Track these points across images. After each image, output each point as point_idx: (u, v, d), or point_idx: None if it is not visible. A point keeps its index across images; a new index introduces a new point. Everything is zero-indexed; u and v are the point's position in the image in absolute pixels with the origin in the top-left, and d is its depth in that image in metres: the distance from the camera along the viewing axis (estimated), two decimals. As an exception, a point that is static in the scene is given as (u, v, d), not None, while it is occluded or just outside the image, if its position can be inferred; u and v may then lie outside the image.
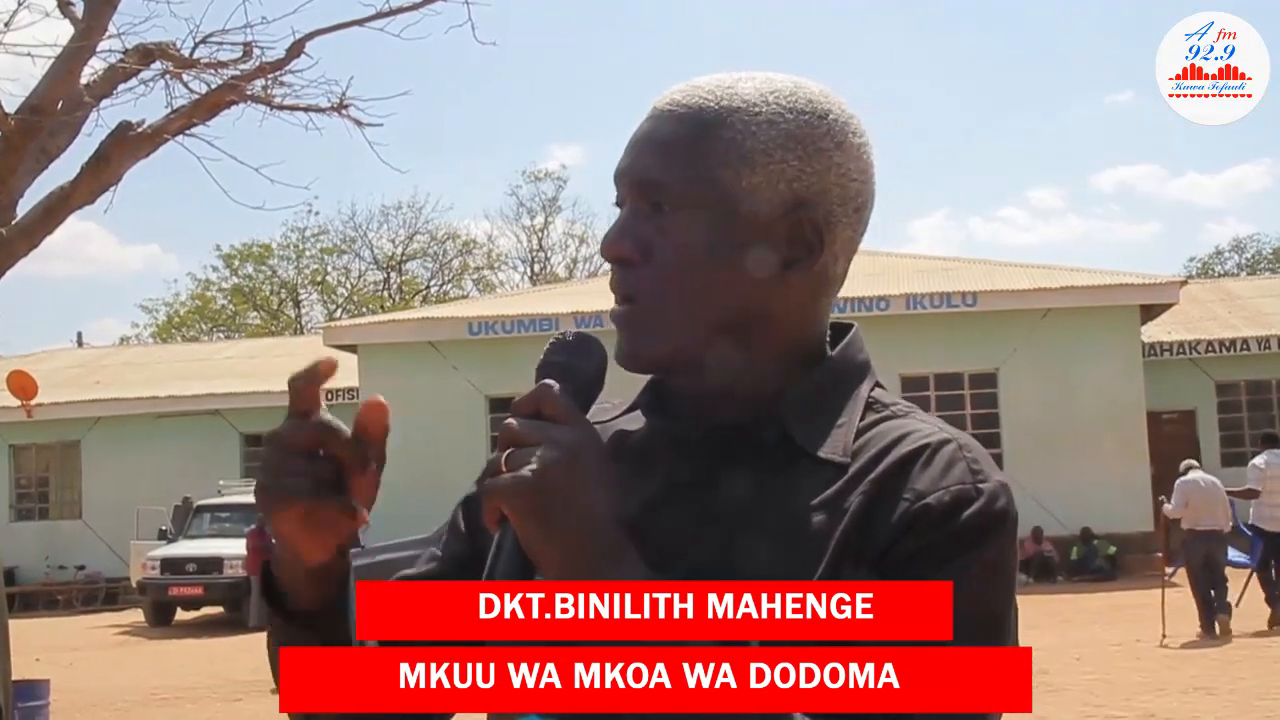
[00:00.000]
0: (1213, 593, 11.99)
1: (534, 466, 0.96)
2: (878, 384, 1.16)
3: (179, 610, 19.99)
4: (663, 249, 1.10)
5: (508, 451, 0.98)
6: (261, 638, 1.18)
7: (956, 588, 0.97)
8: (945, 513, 1.02)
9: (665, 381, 1.17)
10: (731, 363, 1.11)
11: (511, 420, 1.00)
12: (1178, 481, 12.48)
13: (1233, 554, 12.62)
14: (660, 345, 1.11)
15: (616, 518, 1.00)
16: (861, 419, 1.11)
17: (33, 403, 14.87)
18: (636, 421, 1.19)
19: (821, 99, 1.13)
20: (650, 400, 1.19)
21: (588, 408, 1.07)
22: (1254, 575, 12.71)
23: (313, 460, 1.00)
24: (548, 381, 1.02)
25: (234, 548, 19.12)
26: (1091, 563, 19.12)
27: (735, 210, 1.09)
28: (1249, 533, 12.76)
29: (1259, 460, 12.72)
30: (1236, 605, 12.26)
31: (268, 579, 1.10)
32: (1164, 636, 11.83)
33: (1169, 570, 13.08)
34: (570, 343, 1.09)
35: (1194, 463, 13.02)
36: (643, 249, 1.11)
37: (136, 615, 20.55)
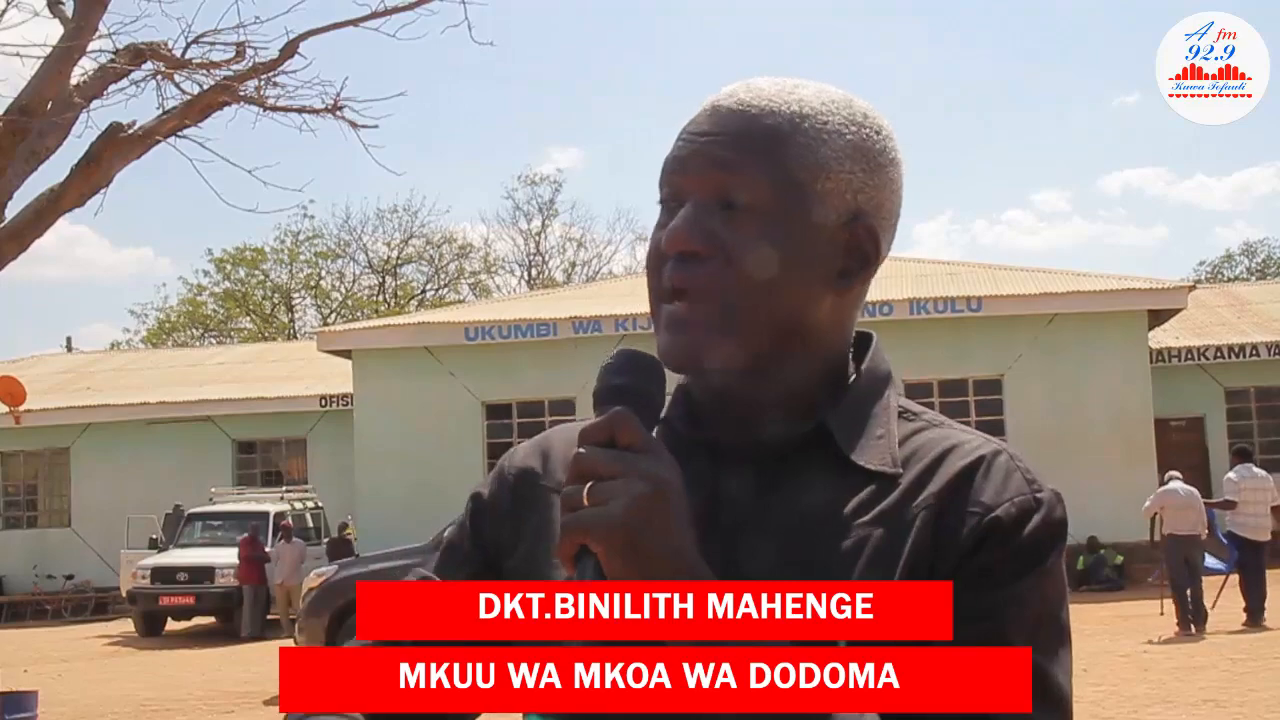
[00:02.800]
0: (1189, 593, 12.89)
1: (625, 503, 0.95)
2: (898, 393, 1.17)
3: (170, 620, 20.04)
4: (737, 245, 1.07)
5: (589, 484, 0.96)
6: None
7: (1032, 599, 1.02)
8: (1014, 525, 1.03)
9: (694, 393, 1.16)
10: (781, 372, 1.10)
11: (585, 450, 0.98)
12: (1158, 490, 13.68)
13: (1211, 561, 13.44)
14: (729, 347, 1.07)
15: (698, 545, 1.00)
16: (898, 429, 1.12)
17: (21, 409, 14.68)
18: (665, 435, 1.14)
19: (874, 113, 1.14)
20: (681, 413, 1.15)
21: (652, 433, 1.02)
22: (1227, 580, 13.64)
23: None
24: (621, 409, 0.99)
25: (226, 557, 19.37)
26: (1098, 573, 19.09)
27: (809, 215, 1.09)
28: (1225, 541, 13.60)
29: (1233, 474, 13.54)
30: (1212, 608, 13.15)
31: None
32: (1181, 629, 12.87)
33: (1153, 575, 14.25)
34: (630, 363, 1.05)
35: (1176, 473, 13.92)
36: (714, 244, 1.07)
37: (126, 625, 20.52)
